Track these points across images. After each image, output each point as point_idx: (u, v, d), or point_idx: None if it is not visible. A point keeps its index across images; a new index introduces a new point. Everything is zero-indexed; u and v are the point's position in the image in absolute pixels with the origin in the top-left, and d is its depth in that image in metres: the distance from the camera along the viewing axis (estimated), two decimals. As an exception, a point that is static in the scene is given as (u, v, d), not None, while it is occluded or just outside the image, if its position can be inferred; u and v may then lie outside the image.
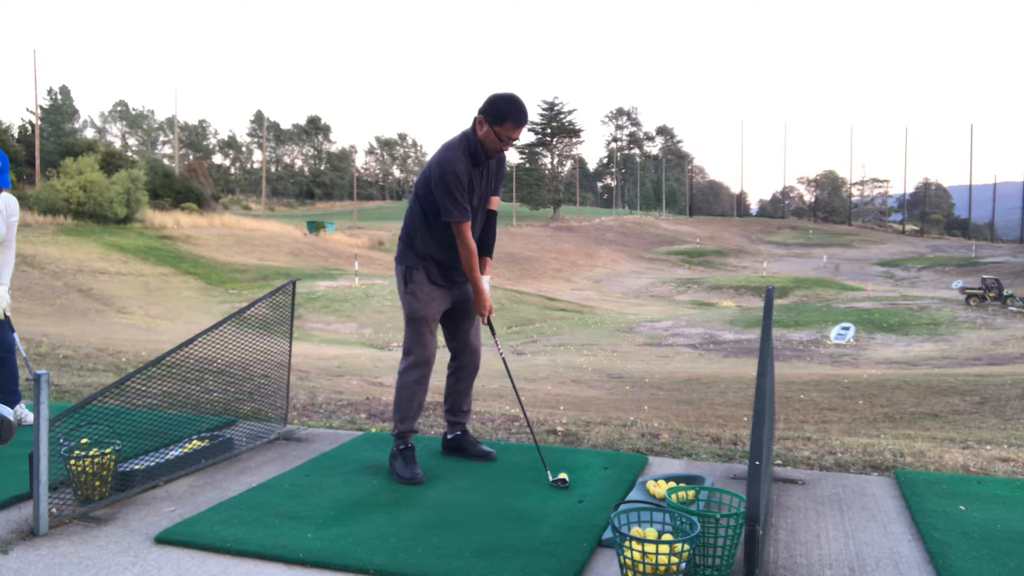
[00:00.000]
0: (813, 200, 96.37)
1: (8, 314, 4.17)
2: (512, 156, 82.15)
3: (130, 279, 26.77)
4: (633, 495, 3.16)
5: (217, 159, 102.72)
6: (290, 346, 4.21)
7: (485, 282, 3.59)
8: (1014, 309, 24.61)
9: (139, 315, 21.79)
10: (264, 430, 4.12)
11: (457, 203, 3.35)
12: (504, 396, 8.67)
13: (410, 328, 3.52)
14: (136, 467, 3.25)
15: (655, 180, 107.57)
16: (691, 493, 2.82)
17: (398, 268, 3.60)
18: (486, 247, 3.66)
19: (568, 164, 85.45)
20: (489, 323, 3.66)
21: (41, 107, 72.81)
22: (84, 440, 3.09)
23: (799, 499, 3.20)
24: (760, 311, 24.79)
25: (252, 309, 3.89)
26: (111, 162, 38.86)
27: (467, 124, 3.47)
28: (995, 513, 2.96)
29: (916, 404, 9.35)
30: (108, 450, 3.05)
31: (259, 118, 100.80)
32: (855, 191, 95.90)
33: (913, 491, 3.22)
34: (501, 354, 3.85)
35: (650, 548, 2.13)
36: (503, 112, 3.33)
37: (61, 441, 3.03)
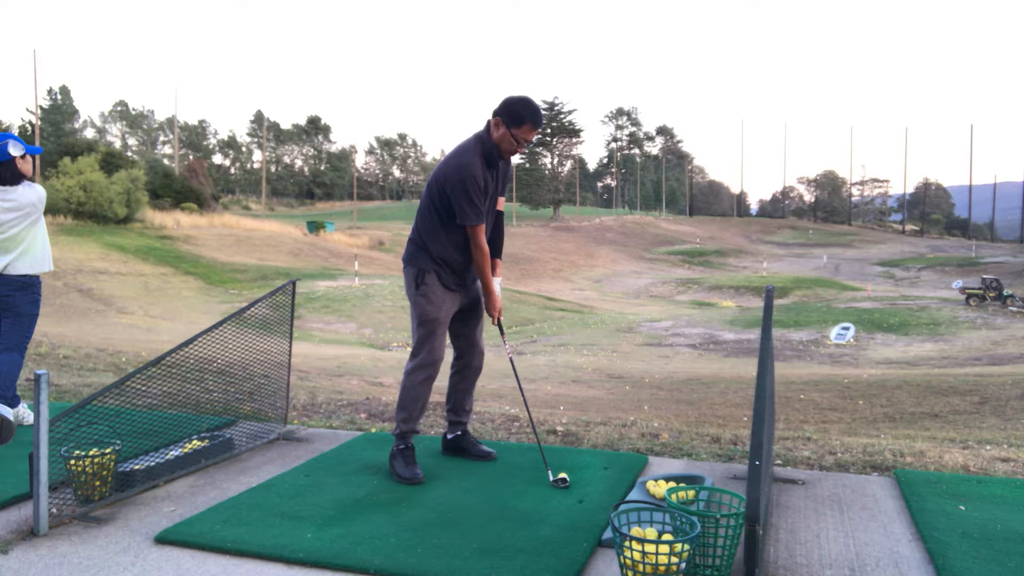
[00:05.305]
0: (813, 200, 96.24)
1: None
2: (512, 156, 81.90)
3: (130, 279, 26.76)
4: (633, 495, 3.17)
5: (217, 159, 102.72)
6: (290, 346, 4.21)
7: (496, 283, 3.60)
8: (1014, 309, 24.61)
9: (139, 315, 21.79)
10: (264, 430, 4.12)
11: (475, 207, 3.38)
12: (504, 396, 8.67)
13: (420, 330, 3.52)
14: (136, 467, 3.26)
15: (655, 180, 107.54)
16: (691, 493, 2.82)
17: (408, 270, 3.57)
18: (496, 248, 3.68)
19: (568, 164, 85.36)
20: (499, 324, 3.67)
21: (41, 107, 72.90)
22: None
23: (799, 499, 3.19)
24: (760, 311, 24.77)
25: (252, 309, 3.89)
26: (111, 162, 38.79)
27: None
28: (995, 513, 2.96)
29: (916, 404, 9.34)
30: (108, 450, 3.05)
31: (259, 118, 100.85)
32: (855, 191, 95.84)
33: (913, 491, 3.22)
34: (509, 354, 3.87)
35: (650, 548, 2.13)
36: (521, 115, 3.38)
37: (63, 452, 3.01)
